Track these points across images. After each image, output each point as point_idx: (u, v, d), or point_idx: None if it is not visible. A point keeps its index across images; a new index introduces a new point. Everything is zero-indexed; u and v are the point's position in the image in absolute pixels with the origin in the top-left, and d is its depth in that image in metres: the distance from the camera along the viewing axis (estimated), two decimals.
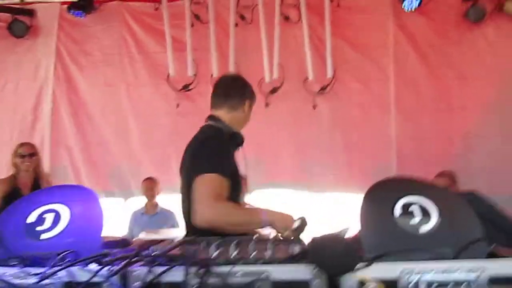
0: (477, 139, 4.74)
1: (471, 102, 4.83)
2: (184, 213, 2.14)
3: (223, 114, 2.25)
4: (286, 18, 5.02)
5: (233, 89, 2.29)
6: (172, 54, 4.94)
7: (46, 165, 5.06)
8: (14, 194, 3.76)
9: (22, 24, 5.03)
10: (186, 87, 5.01)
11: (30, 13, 5.12)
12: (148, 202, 5.06)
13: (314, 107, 5.00)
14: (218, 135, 2.17)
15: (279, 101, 5.02)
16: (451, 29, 4.89)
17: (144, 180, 5.01)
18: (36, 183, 3.94)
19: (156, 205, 5.08)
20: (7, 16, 5.04)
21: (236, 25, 5.01)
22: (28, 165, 3.94)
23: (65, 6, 5.07)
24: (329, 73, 4.92)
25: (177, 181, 5.04)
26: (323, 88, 4.96)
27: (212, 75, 4.94)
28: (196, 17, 5.03)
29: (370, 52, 5.00)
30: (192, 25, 4.98)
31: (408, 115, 4.92)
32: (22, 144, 4.06)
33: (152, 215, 5.03)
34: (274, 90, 4.98)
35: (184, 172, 2.17)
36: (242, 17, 5.04)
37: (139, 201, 5.17)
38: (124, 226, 5.00)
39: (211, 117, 2.27)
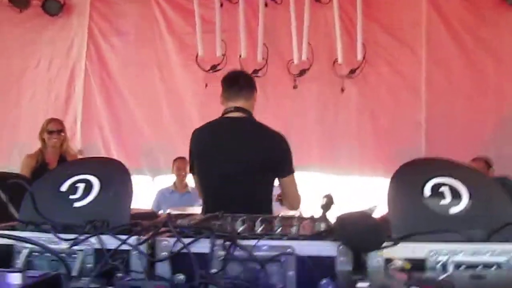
0: (511, 125, 4.59)
1: (506, 86, 4.67)
2: (236, 194, 2.32)
3: (243, 104, 2.52)
4: None
5: (245, 82, 2.59)
6: (201, 34, 4.94)
7: (77, 142, 5.23)
8: (42, 169, 3.89)
9: (56, 2, 5.12)
10: (214, 68, 5.00)
11: None
12: (178, 181, 5.14)
13: (343, 90, 4.93)
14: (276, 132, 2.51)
15: (307, 83, 4.98)
16: (488, 11, 4.71)
17: (176, 159, 5.06)
18: (63, 159, 4.06)
19: (186, 184, 5.15)
20: None
21: (266, 5, 4.95)
22: (56, 141, 4.06)
23: None
24: (359, 56, 4.82)
25: None
26: (352, 71, 4.88)
27: (240, 56, 4.92)
28: None
29: (401, 34, 4.89)
30: (222, 5, 4.95)
31: (440, 98, 4.81)
32: (50, 120, 4.17)
33: (183, 193, 5.11)
34: (302, 72, 4.93)
35: (241, 159, 2.42)
36: None
37: (168, 179, 5.26)
38: (151, 203, 5.10)
39: (239, 109, 2.50)
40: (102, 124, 5.31)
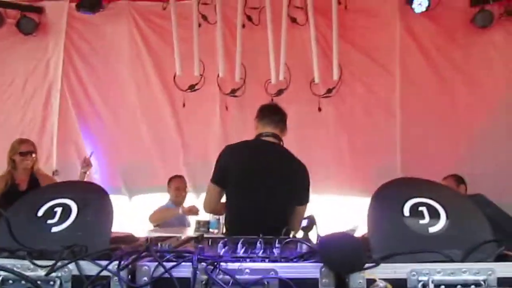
0: (483, 143, 4.74)
1: (477, 106, 4.83)
2: (261, 214, 2.55)
3: (279, 133, 2.86)
4: (293, 20, 5.03)
5: (284, 116, 2.98)
6: (179, 54, 4.95)
7: (53, 162, 5.12)
8: (12, 190, 3.78)
9: (30, 21, 5.06)
10: (192, 87, 5.01)
11: (39, 10, 5.14)
12: (177, 201, 4.84)
13: (320, 109, 5.00)
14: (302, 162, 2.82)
15: (284, 103, 4.96)
16: (458, 34, 4.90)
17: (173, 178, 4.90)
18: (34, 180, 3.94)
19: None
20: (15, 12, 5.06)
21: (243, 26, 5.01)
22: (28, 163, 3.94)
23: (74, 3, 5.08)
24: (335, 76, 4.90)
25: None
26: (329, 91, 4.96)
27: (218, 76, 4.95)
28: (204, 17, 5.04)
29: (376, 55, 5.02)
30: (200, 25, 4.99)
31: (414, 118, 4.93)
32: (21, 141, 4.02)
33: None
34: (280, 92, 4.98)
35: (273, 182, 2.68)
36: (249, 18, 5.05)
37: (145, 199, 5.19)
38: (128, 224, 4.99)
39: (276, 136, 2.84)
40: (79, 144, 5.22)
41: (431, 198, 1.32)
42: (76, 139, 5.21)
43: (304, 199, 2.74)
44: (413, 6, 4.71)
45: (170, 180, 4.92)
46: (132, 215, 5.07)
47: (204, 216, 3.99)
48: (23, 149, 3.95)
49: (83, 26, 5.23)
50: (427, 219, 1.28)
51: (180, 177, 4.90)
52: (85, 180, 4.32)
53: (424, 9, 4.72)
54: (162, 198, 5.07)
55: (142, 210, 5.07)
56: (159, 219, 4.69)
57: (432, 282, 1.12)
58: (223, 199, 2.86)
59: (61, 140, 5.18)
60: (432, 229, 1.27)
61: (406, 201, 1.31)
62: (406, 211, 1.30)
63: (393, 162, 4.89)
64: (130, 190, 5.22)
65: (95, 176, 5.08)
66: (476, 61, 4.86)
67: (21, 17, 5.04)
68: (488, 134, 4.75)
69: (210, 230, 3.86)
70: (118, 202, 5.03)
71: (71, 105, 5.21)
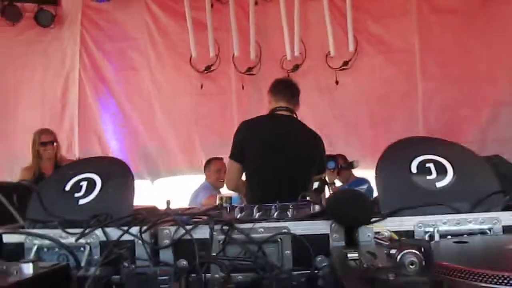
0: (505, 107, 4.66)
1: (498, 69, 4.73)
2: (280, 186, 2.61)
3: (292, 108, 2.93)
4: None
5: (297, 90, 3.03)
6: (194, 35, 5.01)
7: (75, 150, 5.29)
8: (40, 180, 3.93)
9: (47, 13, 5.19)
10: (208, 68, 5.07)
11: (55, 2, 5.26)
12: (217, 183, 4.68)
13: (337, 82, 4.99)
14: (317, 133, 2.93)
15: (301, 78, 5.01)
16: None
17: (212, 160, 4.75)
18: (58, 167, 4.10)
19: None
20: (33, 6, 5.20)
21: (256, 3, 5.02)
22: (50, 152, 4.10)
23: None
24: (351, 47, 4.89)
25: (201, 160, 5.07)
26: (345, 63, 4.93)
27: (233, 55, 4.99)
28: None
29: (393, 23, 4.95)
30: (212, 6, 5.02)
31: (435, 85, 4.86)
32: (41, 132, 4.18)
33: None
34: (296, 67, 4.99)
35: (293, 152, 2.76)
36: None
37: (167, 182, 5.31)
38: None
39: (289, 110, 2.91)
40: (99, 131, 5.36)
41: (438, 155, 1.35)
42: (95, 127, 5.35)
43: (322, 169, 2.82)
44: None
45: (209, 162, 4.81)
46: (156, 198, 5.19)
47: (227, 192, 4.06)
48: (44, 139, 4.11)
49: (97, 14, 5.33)
50: (434, 175, 1.32)
51: (220, 159, 4.64)
52: None
53: None
54: (183, 180, 5.18)
55: (164, 192, 5.20)
56: None
57: (438, 232, 1.16)
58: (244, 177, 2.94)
59: (81, 128, 5.33)
60: (439, 184, 1.30)
61: (414, 158, 1.35)
62: (414, 168, 1.34)
63: (415, 133, 4.82)
64: (152, 174, 5.32)
65: None
66: (496, 24, 4.73)
67: (39, 10, 5.16)
68: (510, 99, 4.65)
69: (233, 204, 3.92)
70: (142, 186, 5.16)
71: (89, 93, 5.33)
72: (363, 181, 4.65)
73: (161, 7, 5.29)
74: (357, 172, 4.65)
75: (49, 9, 5.21)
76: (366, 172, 4.87)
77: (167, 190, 5.28)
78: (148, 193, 5.20)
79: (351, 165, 4.02)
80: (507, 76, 4.71)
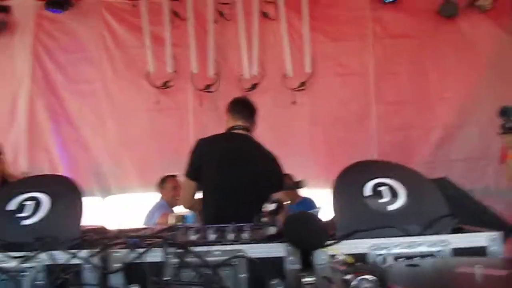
0: (455, 130, 4.88)
1: (449, 93, 4.94)
2: (235, 205, 2.61)
3: (249, 126, 2.95)
4: (265, 15, 5.06)
5: (253, 109, 3.04)
6: (151, 50, 4.94)
7: (23, 166, 5.03)
8: None
9: None
10: (165, 84, 5.01)
11: (6, 9, 5.03)
12: (172, 200, 4.58)
13: (294, 102, 5.05)
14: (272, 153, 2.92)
15: (259, 97, 5.02)
16: (427, 23, 5.00)
17: (167, 177, 4.67)
18: (5, 182, 3.87)
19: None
20: None
21: (215, 21, 5.03)
22: None
23: (42, 2, 5.00)
24: (308, 68, 4.99)
25: (155, 178, 4.95)
26: (302, 84, 5.02)
27: (192, 72, 4.96)
28: (175, 13, 5.03)
29: (349, 46, 5.07)
30: (171, 22, 4.98)
31: (389, 108, 5.01)
32: None
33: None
34: (254, 86, 5.02)
35: (248, 171, 2.78)
36: (221, 14, 5.06)
37: (117, 199, 5.14)
38: (104, 223, 4.95)
39: (246, 129, 2.93)
40: (49, 146, 5.11)
41: (390, 178, 1.39)
42: (45, 141, 5.09)
43: (279, 186, 2.83)
44: None
45: (164, 179, 4.72)
46: (107, 215, 5.03)
47: (180, 210, 3.98)
48: None
49: (51, 24, 5.14)
50: (387, 198, 1.35)
51: (174, 176, 4.61)
52: None
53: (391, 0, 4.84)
54: (136, 198, 5.04)
55: (116, 210, 5.03)
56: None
57: (391, 255, 1.18)
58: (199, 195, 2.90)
59: (30, 142, 5.07)
60: (391, 207, 1.34)
61: (367, 181, 1.38)
62: (367, 191, 1.36)
63: (369, 154, 4.95)
64: (103, 190, 5.12)
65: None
66: (446, 50, 4.97)
67: None
68: (460, 121, 4.89)
69: (186, 224, 3.85)
70: (92, 203, 4.97)
71: (40, 106, 5.09)
72: (310, 201, 4.71)
73: (118, 20, 5.18)
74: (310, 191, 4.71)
75: None
76: (319, 192, 4.94)
77: (118, 207, 5.12)
78: (98, 211, 5.03)
79: (298, 185, 4.02)
80: (457, 99, 4.95)
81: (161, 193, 4.77)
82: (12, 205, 1.33)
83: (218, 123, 4.62)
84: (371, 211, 1.32)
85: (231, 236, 1.41)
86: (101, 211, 5.06)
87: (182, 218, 3.96)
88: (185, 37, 4.98)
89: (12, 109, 5.08)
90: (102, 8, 5.16)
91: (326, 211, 1.44)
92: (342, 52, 5.10)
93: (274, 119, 5.11)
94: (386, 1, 4.86)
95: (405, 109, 5.01)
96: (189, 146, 4.79)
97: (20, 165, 4.98)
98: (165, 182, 4.73)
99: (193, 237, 1.43)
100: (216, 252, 1.21)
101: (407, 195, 1.36)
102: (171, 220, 3.53)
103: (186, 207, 3.07)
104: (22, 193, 1.36)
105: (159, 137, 5.11)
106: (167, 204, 4.67)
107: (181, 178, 4.26)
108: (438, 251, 1.21)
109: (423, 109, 5.00)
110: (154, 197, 4.84)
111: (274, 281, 1.17)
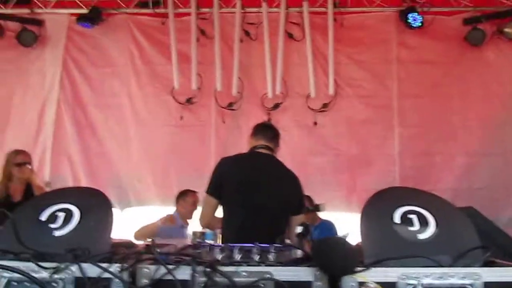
0: (479, 158, 4.80)
1: (473, 121, 4.89)
2: (256, 224, 2.62)
3: (273, 147, 2.95)
4: (290, 36, 5.12)
5: (277, 132, 3.07)
6: (177, 67, 5.03)
7: (46, 173, 5.13)
8: (6, 202, 3.76)
9: (31, 33, 5.11)
10: (189, 100, 5.08)
11: (39, 23, 5.21)
12: (187, 215, 4.70)
13: (315, 123, 5.05)
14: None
15: (281, 117, 5.09)
16: (452, 50, 4.99)
17: (186, 191, 4.73)
18: (29, 190, 3.93)
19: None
20: (16, 25, 5.13)
21: (241, 41, 5.10)
22: (25, 174, 3.93)
23: (74, 17, 5.17)
24: (331, 91, 5.00)
25: (174, 192, 4.97)
26: (325, 105, 5.03)
27: (215, 89, 5.02)
28: (202, 32, 5.13)
29: (373, 69, 5.08)
30: (198, 40, 5.07)
31: (412, 132, 4.97)
32: (17, 152, 3.99)
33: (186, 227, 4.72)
34: (276, 106, 5.05)
35: (271, 192, 2.76)
36: (247, 33, 5.14)
37: (137, 212, 5.17)
38: (121, 235, 4.96)
39: (269, 148, 2.92)
40: (72, 156, 5.21)
41: (420, 206, 1.38)
42: (69, 152, 5.20)
43: (300, 209, 2.82)
44: (409, 20, 4.83)
45: (185, 193, 4.76)
46: (124, 227, 5.05)
47: (199, 227, 3.98)
48: (19, 159, 3.95)
49: (82, 39, 5.29)
50: (416, 226, 1.34)
51: (194, 192, 4.67)
52: None
53: (419, 24, 4.83)
54: (154, 211, 5.06)
55: (133, 222, 5.05)
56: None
57: (421, 285, 1.16)
58: (219, 214, 2.90)
59: (55, 152, 5.17)
60: (421, 236, 1.32)
61: (397, 208, 1.36)
62: (397, 218, 1.35)
63: (391, 177, 4.90)
64: (122, 203, 5.16)
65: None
66: (471, 77, 4.95)
67: (22, 30, 5.09)
68: (484, 149, 4.82)
69: (206, 241, 3.84)
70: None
71: (66, 117, 5.21)
72: (329, 224, 4.66)
73: (146, 37, 5.31)
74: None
75: (33, 29, 5.15)
76: (342, 215, 4.87)
77: (136, 219, 5.14)
78: (115, 222, 5.04)
79: (317, 208, 4.01)
80: (481, 127, 4.89)
81: (178, 206, 4.80)
82: (44, 216, 1.35)
83: (239, 141, 4.67)
84: (402, 239, 1.30)
85: (256, 257, 1.40)
86: (119, 223, 5.08)
87: (202, 234, 3.98)
88: (211, 55, 5.07)
89: (40, 120, 5.21)
90: (131, 24, 5.30)
91: (354, 236, 1.43)
92: (365, 75, 5.11)
93: (296, 138, 5.12)
94: (414, 26, 4.85)
95: (428, 135, 4.97)
96: (209, 163, 4.85)
97: (43, 174, 5.08)
98: (186, 196, 4.76)
99: (218, 256, 1.42)
100: (243, 273, 1.20)
101: (437, 224, 1.34)
102: (192, 237, 3.55)
103: (202, 225, 3.04)
104: (55, 204, 1.38)
105: (180, 152, 5.16)
106: (180, 216, 4.74)
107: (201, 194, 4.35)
108: (470, 284, 1.18)
109: (446, 136, 4.95)
110: (171, 211, 4.89)
111: None
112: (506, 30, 4.82)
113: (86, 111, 5.27)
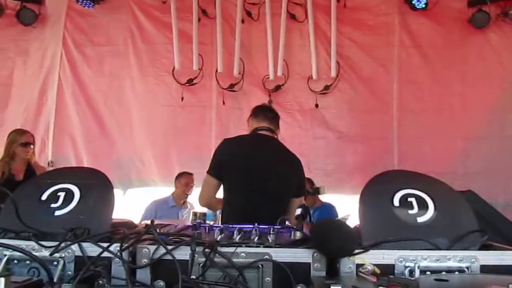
0: (477, 142, 4.80)
1: (473, 105, 4.88)
2: (257, 206, 2.62)
3: (274, 129, 2.96)
4: (292, 17, 5.07)
5: (277, 114, 3.10)
6: (178, 47, 4.99)
7: (48, 153, 5.14)
8: (8, 180, 3.80)
9: (30, 12, 5.06)
10: (190, 81, 5.05)
11: (39, 1, 5.15)
12: (182, 196, 4.93)
13: (317, 105, 5.04)
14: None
15: (282, 98, 5.08)
16: (455, 33, 4.94)
17: (182, 174, 4.91)
18: (30, 170, 3.96)
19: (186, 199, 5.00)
20: (15, 3, 5.07)
21: (243, 21, 5.05)
22: (29, 154, 3.96)
23: None
24: (333, 73, 4.96)
25: (175, 172, 5.04)
26: (326, 87, 5.01)
27: (216, 70, 4.99)
28: (203, 12, 5.08)
29: (374, 52, 5.05)
30: (199, 20, 5.02)
31: (411, 116, 4.96)
32: (22, 132, 4.03)
33: (180, 207, 4.96)
34: (277, 87, 5.03)
35: (272, 173, 2.75)
36: (249, 14, 5.09)
37: (139, 192, 5.21)
38: (124, 216, 5.01)
39: (271, 130, 2.93)
40: (74, 136, 5.22)
41: (420, 190, 1.38)
42: (71, 131, 5.21)
43: (300, 191, 2.84)
44: (413, 1, 4.77)
45: (180, 175, 4.92)
46: (127, 208, 5.09)
47: (201, 208, 4.02)
48: (24, 139, 3.97)
49: (81, 18, 5.24)
50: (415, 210, 1.34)
51: (190, 174, 4.86)
52: None
53: (423, 6, 4.77)
54: (155, 192, 5.10)
55: (136, 203, 5.08)
56: None
57: (418, 268, 1.17)
58: (219, 194, 2.91)
59: (57, 131, 5.18)
60: (420, 219, 1.33)
61: (396, 192, 1.37)
62: (396, 201, 1.35)
63: (390, 159, 4.92)
64: (124, 183, 5.18)
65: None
66: (473, 61, 4.91)
67: (21, 8, 5.04)
68: (483, 133, 4.81)
69: (207, 222, 3.88)
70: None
71: (67, 97, 5.20)
72: (329, 207, 4.70)
73: (147, 16, 5.25)
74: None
75: (33, 7, 5.10)
76: (342, 197, 4.91)
77: (138, 200, 5.18)
78: (118, 203, 5.08)
79: (317, 191, 4.04)
80: (480, 111, 4.87)
81: (175, 187, 4.94)
82: (45, 196, 1.36)
83: (240, 122, 4.67)
84: (401, 222, 1.31)
85: (256, 238, 1.41)
86: (121, 203, 5.12)
87: (202, 215, 4.02)
88: (212, 35, 5.03)
89: (41, 99, 5.20)
90: (131, 4, 5.24)
91: (354, 218, 1.44)
92: (367, 57, 5.07)
93: (297, 120, 5.12)
94: (418, 7, 4.78)
95: (427, 118, 4.95)
96: (210, 144, 4.85)
97: (45, 153, 5.10)
98: (181, 177, 4.90)
99: (217, 236, 1.43)
100: (242, 254, 1.21)
101: (436, 208, 1.35)
102: (192, 217, 3.59)
103: (202, 204, 3.09)
104: (56, 184, 1.39)
105: (181, 133, 5.17)
106: (174, 199, 4.91)
107: (200, 174, 4.38)
108: (467, 267, 1.19)
109: (446, 119, 4.94)
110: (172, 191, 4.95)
111: (299, 287, 1.17)
112: (511, 12, 4.75)
113: (86, 91, 5.26)
